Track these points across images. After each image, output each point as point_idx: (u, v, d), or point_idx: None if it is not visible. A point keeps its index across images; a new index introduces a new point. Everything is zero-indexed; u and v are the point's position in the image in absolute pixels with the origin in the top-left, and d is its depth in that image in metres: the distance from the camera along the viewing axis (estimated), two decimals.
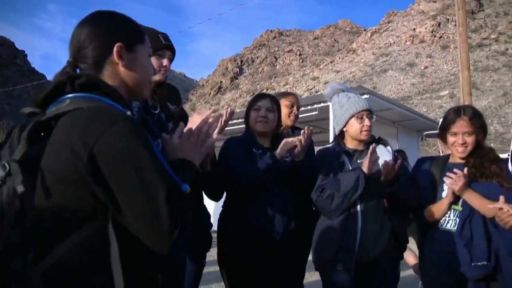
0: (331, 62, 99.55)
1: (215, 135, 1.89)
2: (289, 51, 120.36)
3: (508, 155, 3.50)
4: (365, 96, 10.82)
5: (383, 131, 12.10)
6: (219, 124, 2.51)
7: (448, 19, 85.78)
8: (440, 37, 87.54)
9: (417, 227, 3.36)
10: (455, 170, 2.95)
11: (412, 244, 3.28)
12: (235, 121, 10.80)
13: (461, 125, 3.08)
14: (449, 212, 3.06)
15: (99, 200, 1.31)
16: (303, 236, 3.49)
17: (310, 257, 3.42)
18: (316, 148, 3.70)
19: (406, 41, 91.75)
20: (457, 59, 13.38)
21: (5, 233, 1.22)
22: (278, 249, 3.24)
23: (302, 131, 3.18)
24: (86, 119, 1.33)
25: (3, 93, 74.69)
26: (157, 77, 2.73)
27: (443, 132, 3.20)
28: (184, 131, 1.74)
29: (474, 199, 2.93)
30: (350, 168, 3.22)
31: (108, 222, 1.33)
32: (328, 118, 10.42)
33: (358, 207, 3.12)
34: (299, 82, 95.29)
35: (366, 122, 3.25)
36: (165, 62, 2.77)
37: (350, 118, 3.29)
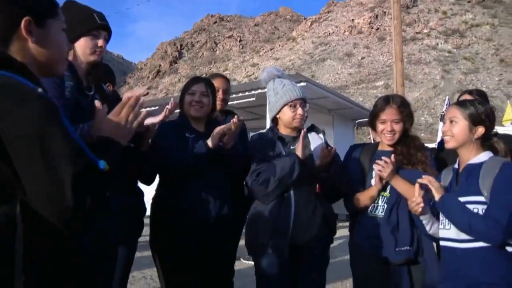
0: (271, 49, 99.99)
1: (154, 120, 1.84)
2: (229, 37, 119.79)
3: (436, 145, 3.61)
4: (302, 84, 10.92)
5: (319, 119, 12.28)
6: (163, 113, 2.51)
7: (385, 12, 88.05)
8: (377, 29, 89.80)
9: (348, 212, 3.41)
10: (383, 158, 3.01)
11: None
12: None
13: (389, 113, 3.16)
14: (377, 199, 3.14)
15: (7, 180, 1.26)
16: (235, 221, 3.48)
17: (242, 242, 3.41)
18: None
19: (344, 32, 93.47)
20: (392, 51, 13.76)
21: None
22: (210, 233, 3.24)
23: (232, 120, 3.16)
24: None
25: None
26: (92, 58, 2.61)
27: (373, 119, 3.27)
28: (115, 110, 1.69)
29: (400, 185, 3.02)
30: (284, 153, 3.24)
31: (16, 203, 1.28)
32: (265, 105, 10.43)
33: (292, 192, 3.17)
34: (238, 68, 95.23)
35: (299, 111, 3.27)
36: (100, 42, 2.63)
37: (284, 106, 3.30)
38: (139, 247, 3.40)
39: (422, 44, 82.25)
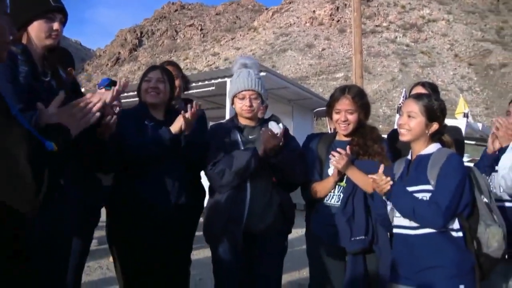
0: (232, 39, 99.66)
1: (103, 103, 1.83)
2: (190, 25, 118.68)
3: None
4: (262, 74, 10.87)
5: (278, 109, 12.34)
6: (111, 93, 2.40)
7: (345, 4, 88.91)
8: (338, 21, 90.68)
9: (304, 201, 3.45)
10: (338, 149, 3.05)
11: None
12: (131, 93, 10.48)
13: (344, 103, 3.19)
14: (333, 188, 3.17)
15: None
16: (193, 210, 3.48)
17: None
18: None
19: (305, 23, 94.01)
20: (352, 43, 13.94)
21: None
22: (168, 222, 3.22)
23: (189, 105, 3.16)
24: None
25: None
26: (47, 42, 2.49)
27: (329, 109, 3.30)
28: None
29: (356, 176, 3.07)
30: (240, 142, 3.26)
31: None
32: (225, 94, 10.42)
33: (248, 180, 3.16)
34: (199, 57, 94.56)
35: (246, 102, 3.27)
36: (55, 25, 2.52)
37: (234, 97, 3.32)
38: (95, 236, 3.35)
39: (381, 37, 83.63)
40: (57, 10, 2.53)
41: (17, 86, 2.23)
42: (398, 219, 2.73)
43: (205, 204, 3.56)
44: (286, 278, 5.87)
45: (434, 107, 2.71)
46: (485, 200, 2.68)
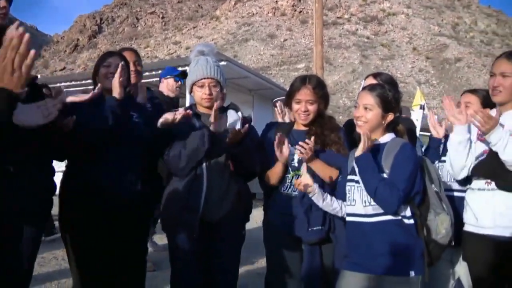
0: (194, 28, 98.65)
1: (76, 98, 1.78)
2: (151, 13, 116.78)
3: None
4: (222, 63, 10.85)
5: (239, 98, 12.30)
6: (90, 95, 2.58)
7: None
8: (300, 11, 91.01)
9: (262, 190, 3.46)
10: (301, 143, 3.07)
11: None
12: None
13: (304, 93, 3.21)
14: (291, 178, 3.21)
15: None
16: (149, 198, 3.44)
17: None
18: None
19: (268, 13, 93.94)
20: (313, 34, 14.01)
21: None
22: (123, 211, 3.17)
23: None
24: None
25: None
26: None
27: (289, 99, 3.31)
28: None
29: (317, 166, 3.11)
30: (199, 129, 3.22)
31: None
32: (184, 83, 10.34)
33: (204, 168, 3.14)
34: (160, 46, 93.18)
35: (206, 90, 3.24)
36: (2, 3, 2.43)
37: (193, 85, 3.28)
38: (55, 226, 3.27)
39: (342, 29, 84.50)
40: None
41: None
42: (352, 207, 2.78)
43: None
44: (244, 267, 5.89)
45: (389, 98, 2.77)
46: (435, 189, 2.76)
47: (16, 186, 2.51)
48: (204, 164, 3.15)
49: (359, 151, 2.71)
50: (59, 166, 3.25)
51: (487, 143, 2.81)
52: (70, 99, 2.48)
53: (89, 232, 3.12)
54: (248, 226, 3.42)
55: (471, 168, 2.97)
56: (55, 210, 3.17)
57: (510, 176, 2.73)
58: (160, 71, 11.69)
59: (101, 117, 3.08)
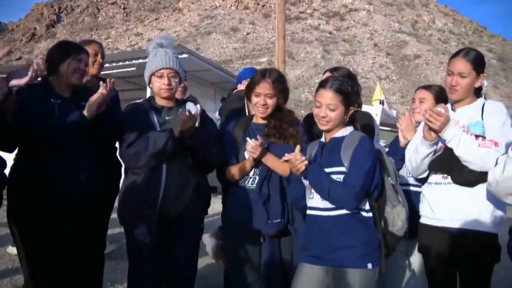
0: (156, 19, 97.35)
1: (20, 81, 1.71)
2: (112, 3, 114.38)
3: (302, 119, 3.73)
4: (184, 55, 10.78)
5: (201, 91, 12.27)
6: (29, 74, 2.39)
7: None
8: (263, 5, 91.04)
9: (221, 184, 3.45)
10: (249, 141, 3.07)
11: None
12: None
13: (264, 87, 3.20)
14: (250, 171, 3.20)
15: None
16: (106, 192, 3.39)
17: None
18: None
19: (231, 6, 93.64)
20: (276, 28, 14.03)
21: None
22: (77, 206, 3.10)
23: (102, 83, 3.06)
24: None
25: None
26: None
27: (248, 92, 3.30)
28: None
29: (270, 161, 3.11)
30: (156, 123, 3.20)
31: None
32: None
33: (163, 162, 3.12)
34: (121, 37, 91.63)
35: (165, 81, 3.21)
36: None
37: (151, 75, 3.25)
38: (3, 223, 3.17)
39: (305, 23, 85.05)
40: None
41: None
42: (311, 201, 2.80)
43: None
44: (203, 260, 5.88)
45: (350, 93, 2.77)
46: (391, 181, 2.80)
47: None
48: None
49: (300, 172, 2.73)
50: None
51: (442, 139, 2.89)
52: (14, 82, 2.39)
53: (38, 226, 3.04)
54: (209, 218, 3.42)
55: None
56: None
57: (465, 171, 2.80)
58: (120, 62, 11.68)
59: (57, 128, 3.01)
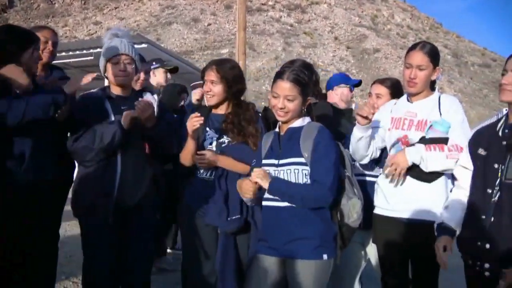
0: (116, 8, 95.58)
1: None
2: None
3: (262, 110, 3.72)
4: (143, 45, 10.65)
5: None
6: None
7: None
8: None
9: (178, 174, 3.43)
10: (199, 153, 3.07)
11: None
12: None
13: (208, 74, 3.20)
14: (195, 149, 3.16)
15: None
16: (60, 183, 3.31)
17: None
18: None
19: None
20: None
21: None
22: (29, 198, 2.99)
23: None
24: None
25: None
26: None
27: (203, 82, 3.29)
28: None
29: (226, 164, 3.12)
30: (111, 112, 3.14)
31: None
32: None
33: (118, 152, 3.08)
34: (80, 25, 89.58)
35: (120, 66, 3.15)
36: None
37: (107, 62, 3.18)
38: None
39: (267, 15, 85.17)
40: None
41: None
42: (265, 192, 2.76)
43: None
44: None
45: (308, 84, 2.77)
46: (347, 173, 2.83)
47: None
48: (118, 150, 3.07)
49: (265, 185, 2.65)
50: None
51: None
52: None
53: None
54: None
55: (376, 156, 3.20)
56: None
57: (425, 172, 2.88)
58: (77, 51, 11.38)
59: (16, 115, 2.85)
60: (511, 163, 2.32)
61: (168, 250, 5.63)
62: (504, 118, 2.48)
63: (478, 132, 2.63)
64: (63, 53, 11.41)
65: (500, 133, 2.44)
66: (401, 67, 3.23)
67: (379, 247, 3.18)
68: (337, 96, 4.26)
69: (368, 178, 3.41)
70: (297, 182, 2.66)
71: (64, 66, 4.09)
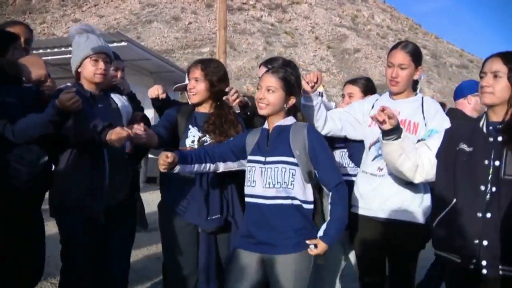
0: (95, 6, 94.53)
1: None
2: None
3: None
4: (123, 43, 10.59)
5: (140, 80, 12.07)
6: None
7: None
8: None
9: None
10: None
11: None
12: None
13: (193, 72, 3.23)
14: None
15: None
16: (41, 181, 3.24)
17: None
18: None
19: None
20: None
21: None
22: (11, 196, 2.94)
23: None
24: None
25: None
26: None
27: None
28: None
29: None
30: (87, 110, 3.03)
31: None
32: None
33: (105, 152, 3.03)
34: (58, 23, 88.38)
35: (101, 65, 3.10)
36: None
37: (85, 59, 3.11)
38: None
39: (247, 14, 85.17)
40: None
41: None
42: (251, 188, 2.76)
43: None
44: (143, 252, 5.83)
45: (292, 81, 2.78)
46: None
47: None
48: (104, 149, 3.03)
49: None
50: None
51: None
52: None
53: None
54: (148, 210, 3.37)
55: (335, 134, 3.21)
56: None
57: None
58: (55, 49, 11.23)
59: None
60: (509, 159, 2.32)
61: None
62: (484, 116, 2.50)
63: (458, 125, 2.67)
64: (41, 51, 11.28)
65: (484, 130, 2.45)
66: (381, 67, 3.27)
67: (355, 246, 3.21)
68: (470, 105, 4.00)
69: (353, 178, 3.38)
70: (283, 181, 2.66)
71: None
